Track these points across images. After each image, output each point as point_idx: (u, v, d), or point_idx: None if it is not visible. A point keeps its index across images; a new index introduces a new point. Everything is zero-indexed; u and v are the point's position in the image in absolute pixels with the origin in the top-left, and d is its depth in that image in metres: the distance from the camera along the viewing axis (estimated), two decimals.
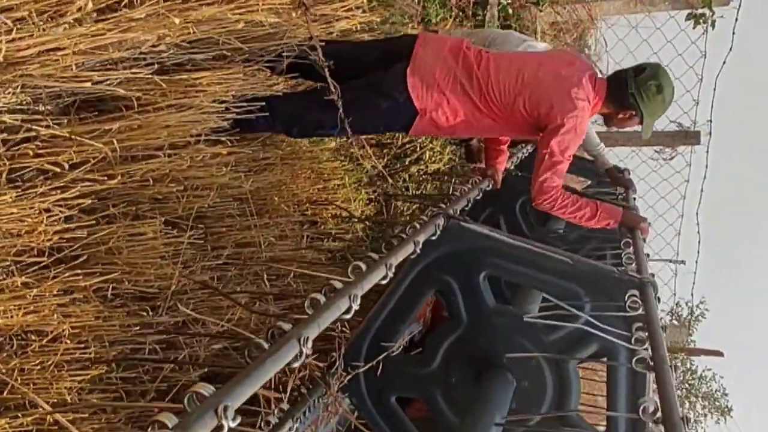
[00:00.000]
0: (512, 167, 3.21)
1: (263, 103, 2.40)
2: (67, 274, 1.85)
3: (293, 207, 3.33)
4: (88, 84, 1.60)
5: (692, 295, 5.90)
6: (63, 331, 1.86)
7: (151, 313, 2.21)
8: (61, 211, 1.78)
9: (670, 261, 4.65)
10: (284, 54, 2.48)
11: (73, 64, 1.65)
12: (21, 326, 1.79)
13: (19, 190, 1.69)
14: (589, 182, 3.99)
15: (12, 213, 1.63)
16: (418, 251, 1.72)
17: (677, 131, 5.02)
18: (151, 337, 2.18)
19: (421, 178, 4.43)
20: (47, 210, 1.74)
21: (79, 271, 1.88)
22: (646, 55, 4.97)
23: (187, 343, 2.40)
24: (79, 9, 1.44)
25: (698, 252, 5.36)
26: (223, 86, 2.27)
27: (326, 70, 2.60)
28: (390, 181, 4.25)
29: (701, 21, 4.80)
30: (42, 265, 1.80)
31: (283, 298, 2.94)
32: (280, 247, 3.08)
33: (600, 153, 3.40)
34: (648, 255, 3.44)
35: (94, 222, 1.90)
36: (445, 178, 4.43)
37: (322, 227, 3.76)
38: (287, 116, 2.61)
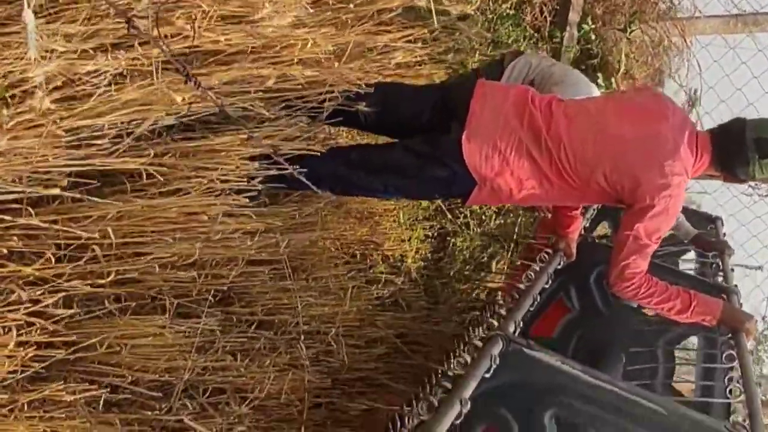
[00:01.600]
0: (585, 224, 2.77)
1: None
2: (46, 391, 1.56)
3: (338, 253, 3.00)
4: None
5: None
6: None
7: (156, 411, 1.91)
8: (39, 323, 1.48)
9: (746, 267, 4.14)
10: (326, 102, 2.14)
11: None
12: None
13: None
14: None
15: None
16: (465, 412, 1.34)
17: None
18: None
19: (484, 215, 4.02)
20: (21, 325, 1.44)
21: (61, 385, 1.58)
22: (745, 79, 4.42)
23: None
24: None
25: None
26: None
27: (374, 120, 2.26)
28: (449, 216, 3.89)
29: None
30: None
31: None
32: (322, 304, 2.74)
33: (680, 221, 2.93)
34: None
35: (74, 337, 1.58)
36: (511, 215, 4.03)
37: (372, 271, 3.43)
38: (331, 177, 2.25)
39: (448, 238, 3.89)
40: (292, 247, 2.43)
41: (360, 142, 2.55)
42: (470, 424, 1.58)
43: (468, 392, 1.37)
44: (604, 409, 1.52)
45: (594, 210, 3.13)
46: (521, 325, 1.76)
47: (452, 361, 1.48)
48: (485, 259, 4.11)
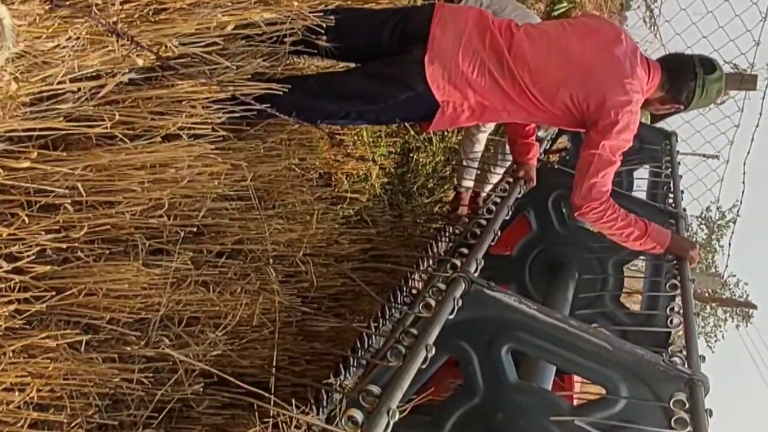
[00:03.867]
0: (542, 154, 2.85)
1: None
2: (30, 340, 1.63)
3: (302, 179, 3.04)
4: None
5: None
6: (30, 397, 1.66)
7: (134, 347, 2.00)
8: (17, 278, 1.53)
9: (704, 156, 4.28)
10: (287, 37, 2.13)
11: None
12: None
13: None
14: None
15: None
16: (430, 357, 1.45)
17: (732, 74, 4.54)
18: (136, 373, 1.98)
19: (446, 130, 4.06)
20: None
21: (44, 332, 1.65)
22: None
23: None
24: None
25: (741, 201, 5.05)
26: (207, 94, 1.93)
27: (334, 50, 2.25)
28: (412, 132, 3.92)
29: None
30: None
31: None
32: (289, 229, 2.81)
33: None
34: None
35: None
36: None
37: (336, 190, 3.50)
38: (290, 104, 2.26)
39: (411, 154, 3.95)
40: (257, 180, 2.48)
41: (319, 71, 2.55)
42: (434, 356, 1.70)
43: (433, 338, 1.47)
44: (556, 344, 1.65)
45: (554, 131, 3.20)
46: (482, 262, 1.86)
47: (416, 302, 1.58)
48: (448, 172, 4.20)
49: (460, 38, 2.11)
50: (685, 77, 2.27)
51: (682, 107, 2.33)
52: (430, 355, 1.44)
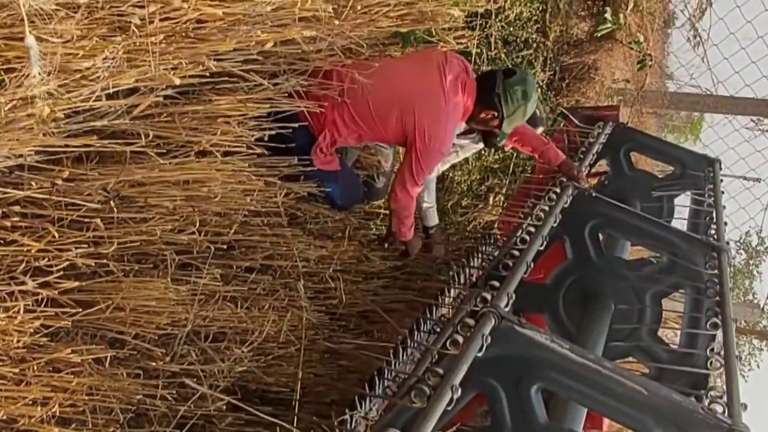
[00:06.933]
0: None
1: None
2: (55, 354, 1.62)
3: None
4: None
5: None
6: (52, 411, 1.64)
7: (159, 362, 1.98)
8: (44, 296, 1.52)
9: (744, 178, 4.13)
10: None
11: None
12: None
13: None
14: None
15: None
16: (456, 398, 1.40)
17: None
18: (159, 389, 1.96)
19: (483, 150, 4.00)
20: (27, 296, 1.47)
21: (69, 346, 1.64)
22: (756, 11, 4.30)
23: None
24: None
25: None
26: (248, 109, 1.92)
27: None
28: None
29: None
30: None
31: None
32: (320, 245, 2.78)
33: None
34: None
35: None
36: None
37: (369, 206, 3.47)
38: None
39: (446, 172, 3.89)
40: (290, 196, 2.46)
41: None
42: (461, 393, 1.64)
43: (459, 378, 1.42)
44: (588, 386, 1.58)
45: (594, 155, 3.13)
46: (513, 297, 1.80)
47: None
48: (483, 191, 4.14)
49: None
50: (488, 83, 2.51)
51: (496, 113, 2.53)
52: (456, 396, 1.39)
